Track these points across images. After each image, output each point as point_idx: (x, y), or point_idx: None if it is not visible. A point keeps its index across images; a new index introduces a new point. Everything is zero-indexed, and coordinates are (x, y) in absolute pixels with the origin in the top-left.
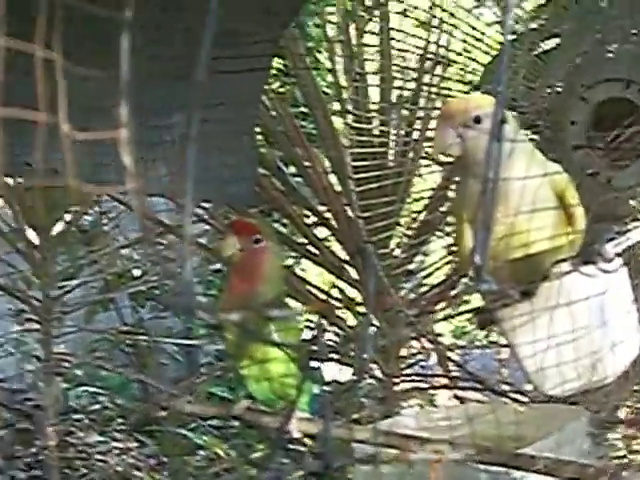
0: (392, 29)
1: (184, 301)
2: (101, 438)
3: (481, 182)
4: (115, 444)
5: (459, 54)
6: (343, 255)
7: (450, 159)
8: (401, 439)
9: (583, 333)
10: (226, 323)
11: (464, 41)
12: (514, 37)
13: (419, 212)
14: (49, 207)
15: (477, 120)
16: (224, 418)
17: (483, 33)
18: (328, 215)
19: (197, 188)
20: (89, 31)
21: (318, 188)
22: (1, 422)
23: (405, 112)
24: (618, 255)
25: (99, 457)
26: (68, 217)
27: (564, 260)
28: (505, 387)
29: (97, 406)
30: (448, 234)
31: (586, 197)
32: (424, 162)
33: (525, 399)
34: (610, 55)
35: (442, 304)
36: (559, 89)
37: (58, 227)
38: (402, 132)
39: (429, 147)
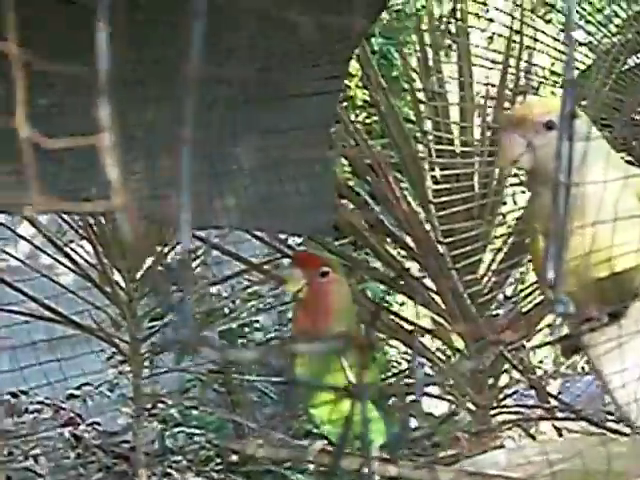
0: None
1: (183, 336)
2: (198, 479)
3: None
4: None
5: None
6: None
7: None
8: (488, 479)
9: None
10: (297, 361)
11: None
12: (601, 52)
13: (509, 234)
14: (136, 246)
15: (549, 126)
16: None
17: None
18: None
19: (271, 218)
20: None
21: (400, 216)
22: (98, 465)
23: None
24: None
25: None
26: (154, 256)
27: None
28: (608, 417)
29: (194, 446)
30: None
31: None
32: (511, 181)
33: (627, 430)
34: None
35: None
36: None
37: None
38: (486, 151)
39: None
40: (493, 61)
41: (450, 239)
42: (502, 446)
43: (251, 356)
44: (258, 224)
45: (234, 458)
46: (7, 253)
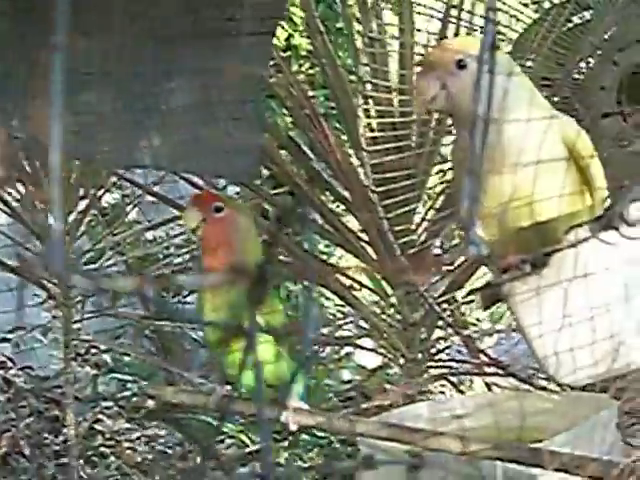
0: None
1: (54, 265)
2: (129, 425)
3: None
4: (143, 432)
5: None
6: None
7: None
8: (405, 432)
9: (602, 311)
10: (202, 305)
11: (497, 22)
12: (546, 8)
13: (445, 183)
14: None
15: (460, 65)
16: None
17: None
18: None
19: (197, 160)
20: None
21: (334, 165)
22: (29, 410)
23: None
24: None
25: (127, 445)
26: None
27: (580, 225)
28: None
29: (126, 393)
30: None
31: (616, 169)
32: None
33: (553, 386)
34: None
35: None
36: (590, 59)
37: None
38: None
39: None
40: (434, 9)
41: (383, 188)
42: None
43: (125, 284)
44: (185, 165)
45: (150, 403)
46: None
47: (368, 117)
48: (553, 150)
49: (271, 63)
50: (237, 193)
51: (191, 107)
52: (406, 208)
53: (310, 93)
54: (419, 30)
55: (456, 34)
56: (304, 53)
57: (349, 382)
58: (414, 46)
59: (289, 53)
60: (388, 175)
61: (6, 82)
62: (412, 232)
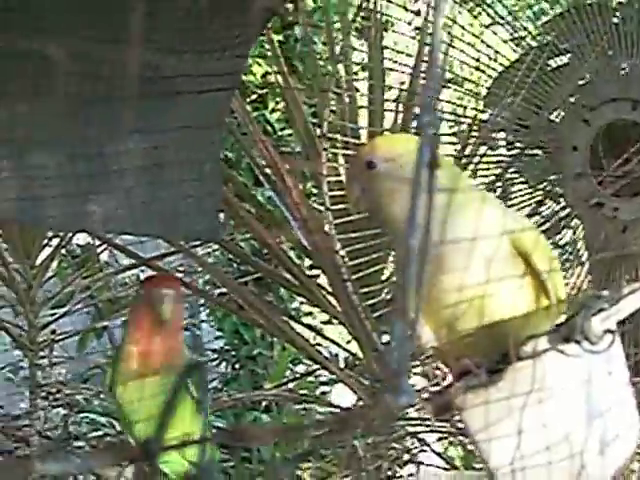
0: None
1: None
2: None
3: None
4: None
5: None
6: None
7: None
8: None
9: (561, 430)
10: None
11: (477, 59)
12: (520, 54)
13: None
14: (32, 234)
15: (370, 166)
16: None
17: (497, 52)
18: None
19: (151, 223)
20: None
21: (299, 217)
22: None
23: None
24: (608, 331)
25: None
26: (55, 242)
27: (539, 336)
28: None
29: (97, 432)
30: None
31: (589, 231)
32: None
33: None
34: (620, 73)
35: None
36: (565, 110)
37: (45, 254)
38: None
39: None
40: (408, 54)
41: (348, 248)
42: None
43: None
44: (140, 229)
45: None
46: None
47: (336, 174)
48: (504, 256)
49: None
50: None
51: (144, 169)
52: (372, 269)
53: (288, 131)
54: (390, 88)
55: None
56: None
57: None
58: (384, 103)
59: (265, 91)
60: (354, 235)
61: None
62: (379, 292)
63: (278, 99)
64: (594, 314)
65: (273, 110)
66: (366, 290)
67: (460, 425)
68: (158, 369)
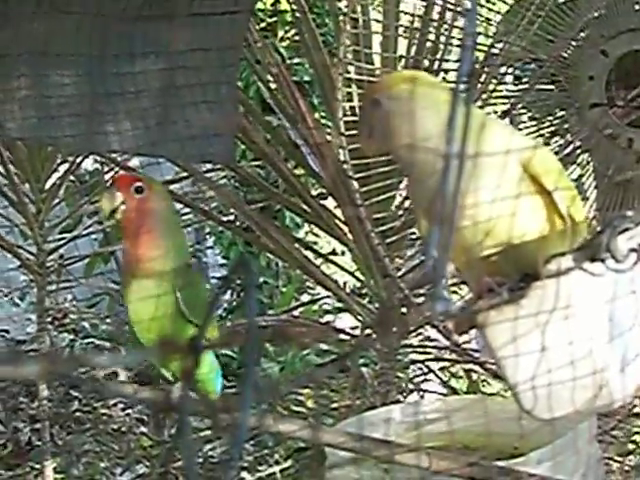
0: None
1: None
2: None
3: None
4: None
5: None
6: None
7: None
8: (375, 444)
9: (585, 347)
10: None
11: None
12: None
13: None
14: (42, 158)
15: (375, 104)
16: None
17: None
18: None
19: (166, 145)
20: None
21: (314, 148)
22: None
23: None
24: (633, 250)
25: (104, 411)
26: (64, 167)
27: (563, 254)
28: None
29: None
30: None
31: (602, 161)
32: None
33: None
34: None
35: None
36: (580, 41)
37: (54, 178)
38: None
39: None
40: None
41: (362, 174)
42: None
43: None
44: (155, 150)
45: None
46: None
47: (350, 100)
48: (512, 175)
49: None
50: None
51: (160, 90)
52: (384, 195)
53: (295, 60)
54: (405, 13)
55: (441, 15)
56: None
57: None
58: (398, 28)
59: (275, 19)
60: (366, 160)
61: None
62: (391, 219)
63: (287, 28)
64: (619, 233)
65: (282, 38)
66: (377, 217)
67: (468, 349)
68: (139, 274)
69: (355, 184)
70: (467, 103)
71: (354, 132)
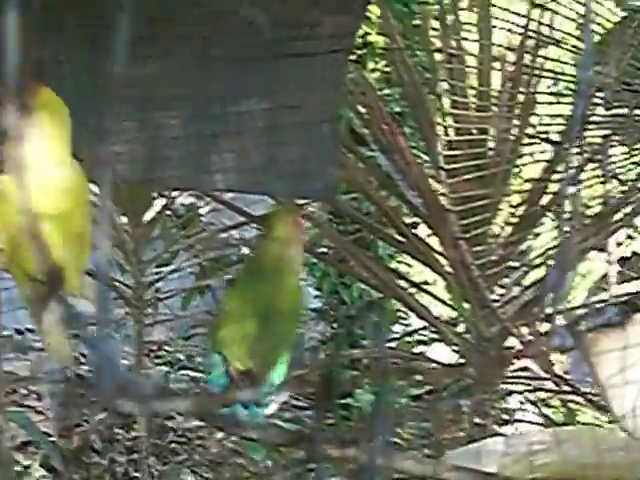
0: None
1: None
2: (201, 423)
3: None
4: (214, 429)
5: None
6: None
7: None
8: (473, 475)
9: None
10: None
11: (574, 20)
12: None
13: (518, 205)
14: (140, 193)
15: None
16: None
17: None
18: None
19: (270, 182)
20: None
21: (412, 181)
22: (101, 405)
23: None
24: None
25: (199, 442)
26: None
27: None
28: None
29: (197, 390)
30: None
31: None
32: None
33: None
34: None
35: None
36: None
37: (151, 213)
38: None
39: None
40: (516, 13)
41: (461, 207)
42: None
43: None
44: (259, 187)
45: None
46: None
47: (446, 134)
48: None
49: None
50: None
51: (263, 129)
52: (483, 228)
53: (386, 91)
54: (499, 45)
55: (535, 47)
56: (380, 51)
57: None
58: (492, 62)
59: (364, 51)
60: (466, 194)
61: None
62: (489, 252)
63: (377, 59)
64: None
65: (373, 70)
66: (476, 249)
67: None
68: None
69: (454, 217)
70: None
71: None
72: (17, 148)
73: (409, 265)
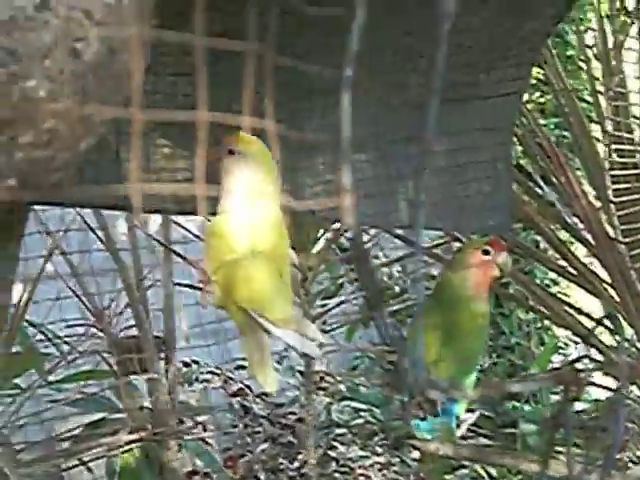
0: None
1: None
2: (363, 453)
3: None
4: (376, 459)
5: None
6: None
7: None
8: None
9: None
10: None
11: None
12: None
13: None
14: (309, 226)
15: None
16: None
17: None
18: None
19: (452, 218)
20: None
21: (576, 206)
22: (265, 435)
23: None
24: None
25: (361, 471)
26: (328, 235)
27: None
28: None
29: (359, 421)
30: None
31: None
32: None
33: None
34: None
35: None
36: None
37: (318, 246)
38: None
39: None
40: None
41: (630, 239)
42: None
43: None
44: (441, 223)
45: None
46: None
47: (611, 168)
48: None
49: None
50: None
51: (445, 168)
52: None
53: (541, 121)
54: None
55: None
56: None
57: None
58: None
59: None
60: (635, 225)
61: None
62: None
63: (531, 90)
64: None
65: (527, 102)
66: None
67: None
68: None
69: (623, 248)
70: None
71: (622, 199)
72: (231, 188)
73: (566, 294)
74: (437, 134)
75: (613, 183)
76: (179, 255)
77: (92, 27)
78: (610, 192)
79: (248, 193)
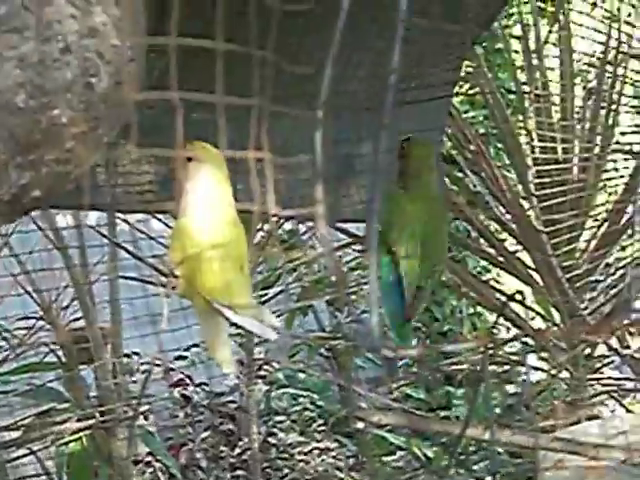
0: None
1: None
2: (302, 439)
3: None
4: (315, 444)
5: None
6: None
7: None
8: (581, 447)
9: None
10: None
11: None
12: None
13: (600, 225)
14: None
15: None
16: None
17: None
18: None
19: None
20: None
21: (502, 200)
22: (205, 424)
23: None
24: None
25: (300, 457)
26: (266, 227)
27: None
28: None
29: (298, 407)
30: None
31: None
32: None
33: None
34: None
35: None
36: None
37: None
38: (583, 146)
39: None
40: (595, 29)
41: (551, 228)
42: (597, 417)
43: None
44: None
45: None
46: None
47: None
48: None
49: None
50: None
51: (385, 167)
52: (572, 245)
53: (471, 114)
54: (578, 62)
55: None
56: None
57: (515, 394)
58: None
59: None
60: (556, 217)
61: None
62: (578, 265)
63: (461, 83)
64: None
65: (457, 94)
66: (565, 265)
67: None
68: None
69: (545, 237)
70: None
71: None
72: (190, 193)
73: (497, 281)
74: (368, 137)
75: (537, 177)
76: (127, 251)
77: (103, 65)
78: (532, 186)
79: (207, 196)
